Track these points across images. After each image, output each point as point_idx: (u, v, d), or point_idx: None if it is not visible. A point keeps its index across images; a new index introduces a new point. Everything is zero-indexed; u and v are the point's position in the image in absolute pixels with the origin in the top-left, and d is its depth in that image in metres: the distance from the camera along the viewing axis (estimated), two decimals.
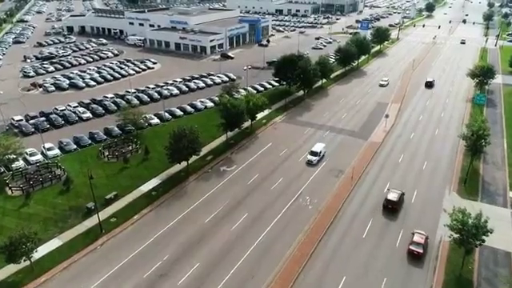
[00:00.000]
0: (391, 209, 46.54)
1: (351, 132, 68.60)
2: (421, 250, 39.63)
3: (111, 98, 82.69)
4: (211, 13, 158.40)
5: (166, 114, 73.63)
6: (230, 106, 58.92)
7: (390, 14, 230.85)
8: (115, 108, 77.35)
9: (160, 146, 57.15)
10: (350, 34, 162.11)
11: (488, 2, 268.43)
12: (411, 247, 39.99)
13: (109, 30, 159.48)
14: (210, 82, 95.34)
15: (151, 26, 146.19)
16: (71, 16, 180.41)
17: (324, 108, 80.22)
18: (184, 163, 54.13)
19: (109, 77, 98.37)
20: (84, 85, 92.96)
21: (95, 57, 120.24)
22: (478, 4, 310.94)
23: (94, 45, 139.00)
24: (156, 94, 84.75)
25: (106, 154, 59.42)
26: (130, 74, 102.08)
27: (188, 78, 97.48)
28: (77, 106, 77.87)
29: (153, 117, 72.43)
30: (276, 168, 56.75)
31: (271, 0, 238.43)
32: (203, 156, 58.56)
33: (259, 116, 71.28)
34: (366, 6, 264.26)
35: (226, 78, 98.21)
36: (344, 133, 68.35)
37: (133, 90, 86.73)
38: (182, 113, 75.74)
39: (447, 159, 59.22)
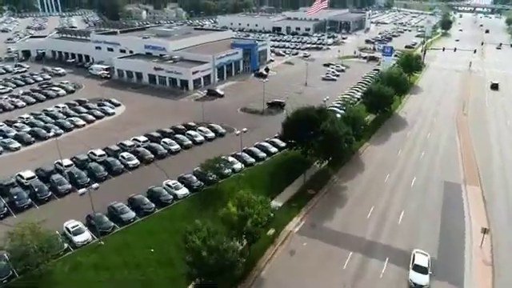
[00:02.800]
0: None
1: None
2: None
3: (29, 178, 52.37)
4: (197, 34, 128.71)
5: (105, 219, 43.55)
6: (208, 251, 28.86)
7: (401, 32, 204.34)
8: (27, 202, 47.57)
9: None
10: (365, 58, 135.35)
11: (506, 18, 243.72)
12: None
13: (73, 55, 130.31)
14: (187, 141, 65.49)
15: (122, 51, 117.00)
16: (30, 37, 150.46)
17: (365, 196, 50.45)
18: None
19: (43, 132, 68.21)
20: (0, 149, 62.93)
21: (41, 96, 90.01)
22: (489, 20, 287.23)
23: (47, 76, 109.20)
24: (101, 169, 54.98)
25: None
26: (77, 126, 72.28)
27: (156, 134, 67.58)
28: None
29: (82, 227, 42.26)
30: None
31: (268, 17, 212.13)
32: None
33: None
34: (372, 23, 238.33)
35: (211, 134, 68.67)
36: None
37: (67, 162, 56.36)
38: (133, 214, 45.53)
39: None
